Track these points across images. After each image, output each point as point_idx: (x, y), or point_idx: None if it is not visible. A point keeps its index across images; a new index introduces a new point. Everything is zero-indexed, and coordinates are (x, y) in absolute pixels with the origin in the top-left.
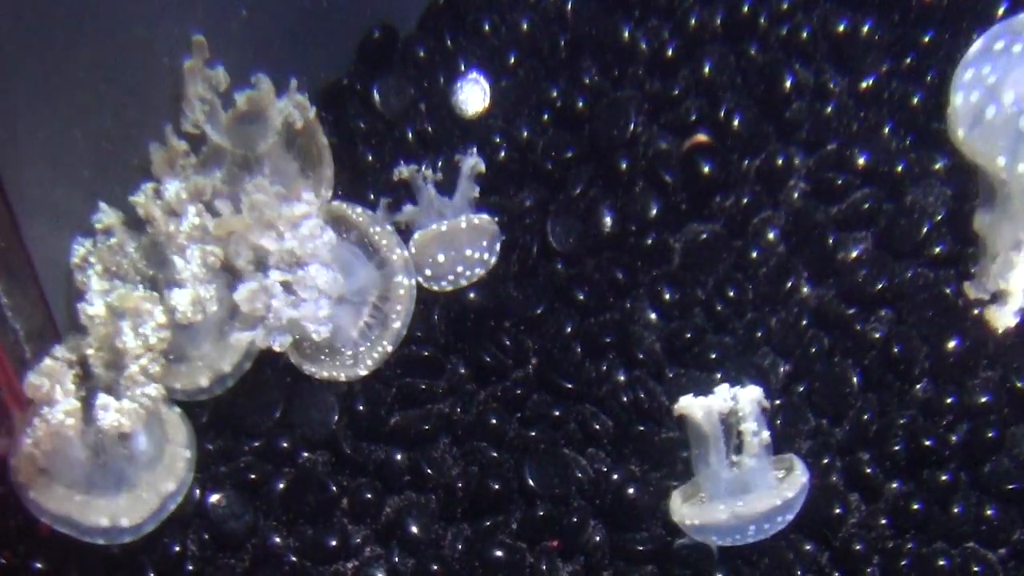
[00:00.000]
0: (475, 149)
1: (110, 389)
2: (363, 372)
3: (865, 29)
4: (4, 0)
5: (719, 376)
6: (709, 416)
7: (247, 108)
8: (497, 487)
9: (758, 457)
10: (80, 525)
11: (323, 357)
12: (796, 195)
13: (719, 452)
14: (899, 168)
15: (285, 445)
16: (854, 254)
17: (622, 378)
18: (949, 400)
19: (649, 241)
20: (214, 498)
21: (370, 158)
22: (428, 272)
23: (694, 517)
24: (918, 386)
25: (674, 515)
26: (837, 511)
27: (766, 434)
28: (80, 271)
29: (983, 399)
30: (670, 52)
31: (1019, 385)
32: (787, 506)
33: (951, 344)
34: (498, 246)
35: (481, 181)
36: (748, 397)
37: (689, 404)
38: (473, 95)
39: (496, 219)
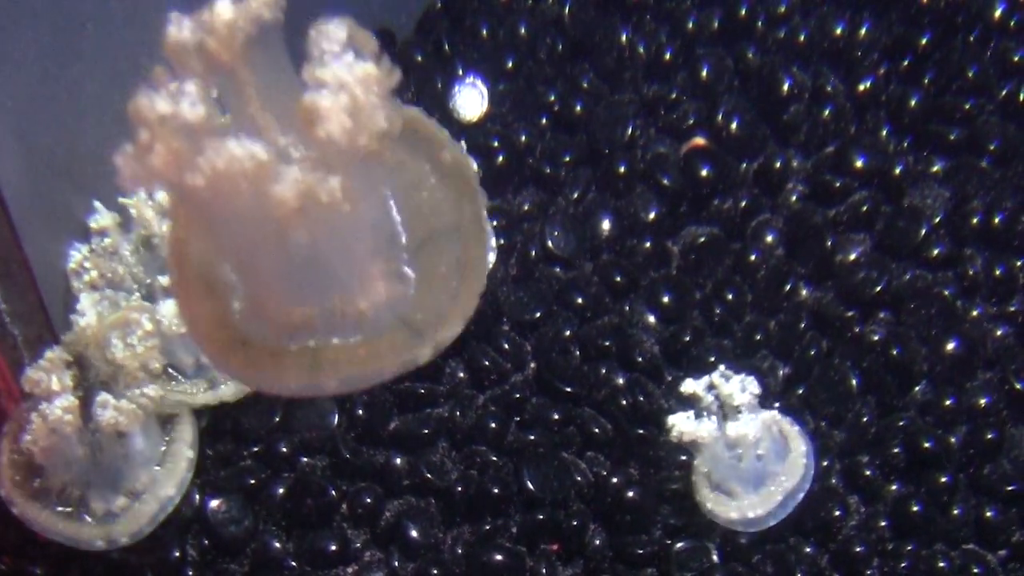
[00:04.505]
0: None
1: (108, 391)
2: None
3: (863, 31)
4: (4, 4)
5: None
6: (712, 433)
7: None
8: (496, 491)
9: (775, 441)
10: (76, 542)
11: None
12: (794, 198)
13: (739, 452)
14: (897, 170)
15: (285, 450)
16: (852, 256)
17: (621, 381)
18: (948, 402)
19: (647, 244)
20: (214, 503)
21: None
22: None
23: (750, 518)
24: (917, 388)
25: (726, 522)
26: (836, 513)
27: (776, 415)
28: (76, 277)
29: (982, 401)
30: (668, 55)
31: (1018, 387)
32: (811, 457)
33: (950, 346)
34: (493, 241)
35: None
36: (747, 393)
37: (685, 429)
38: (471, 99)
39: (494, 223)
